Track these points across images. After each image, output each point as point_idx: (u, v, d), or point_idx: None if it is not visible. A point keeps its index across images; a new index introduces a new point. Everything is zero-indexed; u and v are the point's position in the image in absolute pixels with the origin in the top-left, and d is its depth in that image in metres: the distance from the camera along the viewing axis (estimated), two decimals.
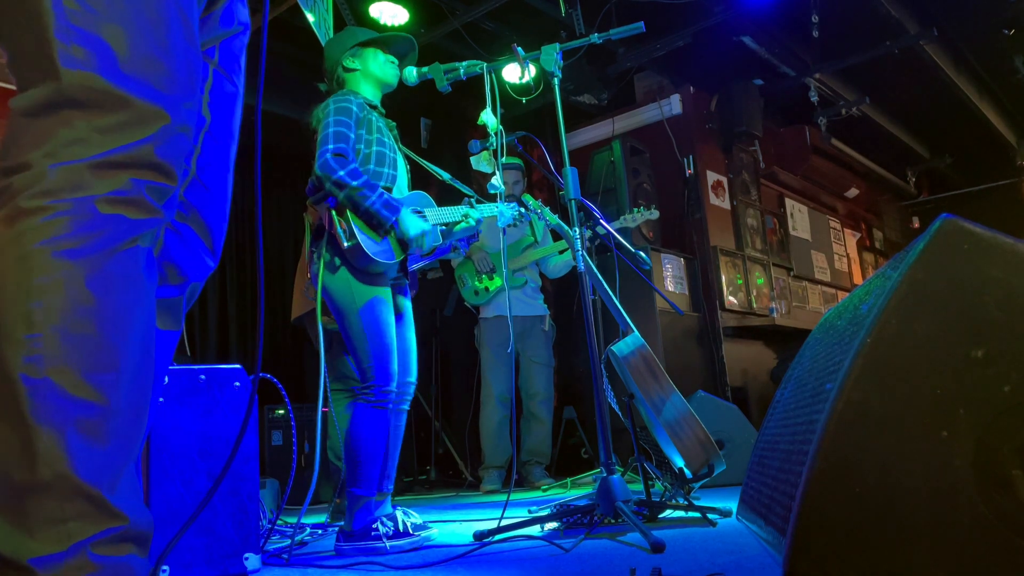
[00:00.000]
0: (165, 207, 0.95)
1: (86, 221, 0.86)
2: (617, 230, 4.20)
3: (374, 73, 2.51)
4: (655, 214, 4.42)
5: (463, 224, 2.53)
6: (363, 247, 2.24)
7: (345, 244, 2.24)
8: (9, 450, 0.81)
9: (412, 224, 2.34)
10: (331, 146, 2.27)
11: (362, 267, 2.29)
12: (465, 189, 2.65)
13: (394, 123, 2.57)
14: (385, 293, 2.34)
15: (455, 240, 2.59)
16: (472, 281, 4.58)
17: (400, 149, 2.56)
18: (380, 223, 2.28)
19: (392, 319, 2.35)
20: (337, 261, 2.30)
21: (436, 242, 2.44)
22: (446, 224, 2.52)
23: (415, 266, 2.51)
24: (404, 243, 2.36)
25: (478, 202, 2.60)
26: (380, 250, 2.30)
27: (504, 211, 2.64)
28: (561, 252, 4.55)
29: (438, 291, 5.41)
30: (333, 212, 2.27)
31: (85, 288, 0.85)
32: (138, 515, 0.88)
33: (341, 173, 2.24)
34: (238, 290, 5.48)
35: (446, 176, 2.66)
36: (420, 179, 2.74)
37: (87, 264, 0.86)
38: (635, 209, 4.39)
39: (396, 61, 2.56)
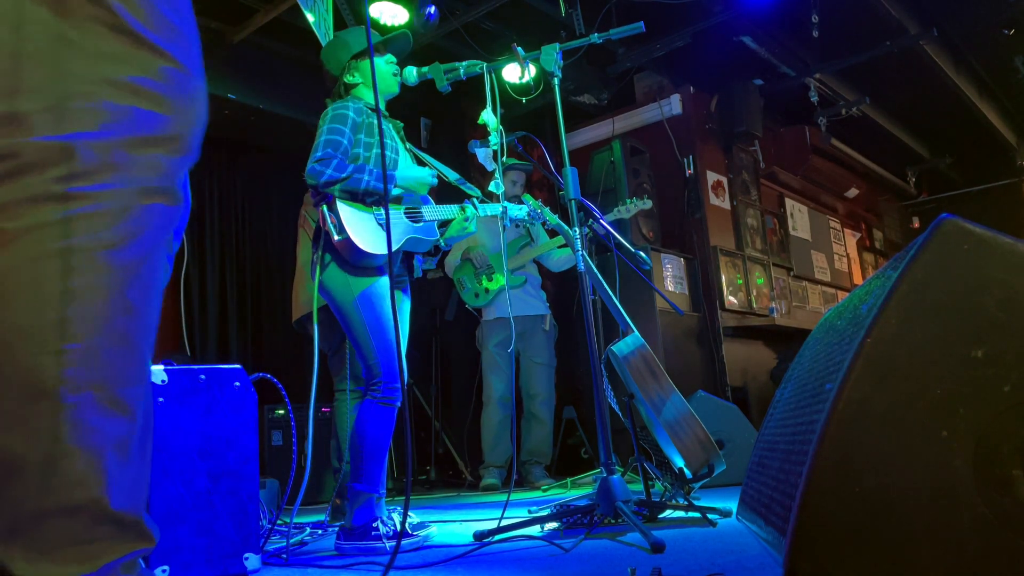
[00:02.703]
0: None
1: (128, 217, 0.76)
2: (612, 222, 4.20)
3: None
4: (648, 203, 4.42)
5: (459, 219, 2.55)
6: (354, 241, 2.26)
7: (336, 238, 2.26)
8: (34, 473, 0.72)
9: (412, 171, 2.45)
10: (319, 153, 2.33)
11: (355, 263, 2.31)
12: (470, 189, 2.65)
13: (400, 123, 2.58)
14: (383, 284, 2.34)
15: (451, 241, 2.61)
16: (471, 284, 4.58)
17: (408, 148, 2.57)
18: (384, 193, 2.32)
19: (392, 313, 2.36)
20: (331, 258, 2.33)
21: (433, 236, 2.46)
22: (443, 222, 2.54)
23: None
24: (413, 219, 2.39)
25: (481, 202, 2.60)
26: (374, 242, 2.30)
27: (511, 209, 2.65)
28: (561, 246, 4.55)
29: (438, 291, 5.41)
30: (324, 207, 2.30)
31: (126, 297, 0.77)
32: (157, 534, 0.83)
33: (328, 172, 2.29)
34: (238, 290, 5.48)
35: (453, 176, 2.67)
36: None
37: (129, 269, 0.77)
38: (628, 200, 4.39)
39: (395, 59, 2.57)
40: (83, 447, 0.73)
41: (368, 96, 2.54)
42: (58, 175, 0.73)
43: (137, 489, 0.80)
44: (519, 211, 2.70)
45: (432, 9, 1.82)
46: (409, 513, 2.36)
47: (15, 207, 0.72)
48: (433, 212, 2.52)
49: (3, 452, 0.72)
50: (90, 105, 0.75)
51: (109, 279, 0.75)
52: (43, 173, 0.72)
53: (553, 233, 4.54)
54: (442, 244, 2.56)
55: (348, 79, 2.53)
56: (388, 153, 2.45)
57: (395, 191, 2.46)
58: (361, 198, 2.33)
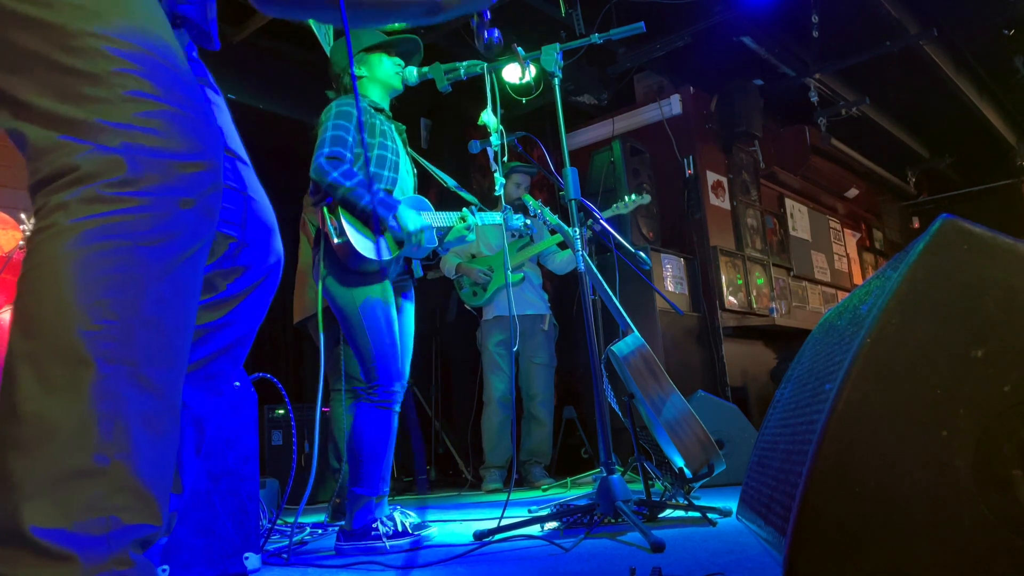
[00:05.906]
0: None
1: (166, 220, 0.88)
2: (611, 217, 4.21)
3: (381, 79, 2.53)
4: (647, 199, 4.43)
5: (458, 227, 2.54)
6: (353, 245, 2.25)
7: (335, 240, 2.25)
8: (68, 434, 0.80)
9: (411, 220, 2.35)
10: (326, 149, 2.30)
11: (355, 268, 2.30)
12: (469, 196, 2.65)
13: (403, 126, 2.58)
14: (384, 290, 2.34)
15: (449, 246, 2.60)
16: (470, 283, 4.59)
17: (408, 153, 2.57)
18: (377, 221, 2.30)
19: (394, 316, 2.35)
20: (331, 262, 2.31)
21: (432, 243, 2.45)
22: (441, 229, 2.54)
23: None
24: (400, 241, 2.37)
25: (480, 210, 2.60)
26: (373, 248, 2.30)
27: (511, 218, 2.65)
28: (561, 246, 4.55)
29: (438, 291, 5.41)
30: (325, 209, 2.29)
31: (159, 288, 0.88)
32: (167, 520, 0.89)
33: (335, 175, 2.27)
34: None
35: (451, 183, 2.66)
36: (421, 182, 2.74)
37: (164, 266, 0.88)
38: (627, 196, 4.39)
39: (402, 63, 2.57)
40: (113, 414, 0.82)
41: (372, 91, 2.53)
42: (109, 182, 0.85)
43: (163, 466, 0.87)
44: (517, 220, 2.70)
45: (496, 33, 1.82)
46: (409, 513, 2.37)
47: (70, 206, 0.85)
48: (432, 219, 2.52)
49: (45, 414, 0.80)
50: (137, 127, 0.88)
51: (143, 270, 0.87)
52: (97, 181, 0.85)
53: (555, 231, 4.54)
54: (439, 251, 2.56)
55: (354, 69, 2.53)
56: (389, 156, 2.44)
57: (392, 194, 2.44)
58: (357, 213, 2.31)
